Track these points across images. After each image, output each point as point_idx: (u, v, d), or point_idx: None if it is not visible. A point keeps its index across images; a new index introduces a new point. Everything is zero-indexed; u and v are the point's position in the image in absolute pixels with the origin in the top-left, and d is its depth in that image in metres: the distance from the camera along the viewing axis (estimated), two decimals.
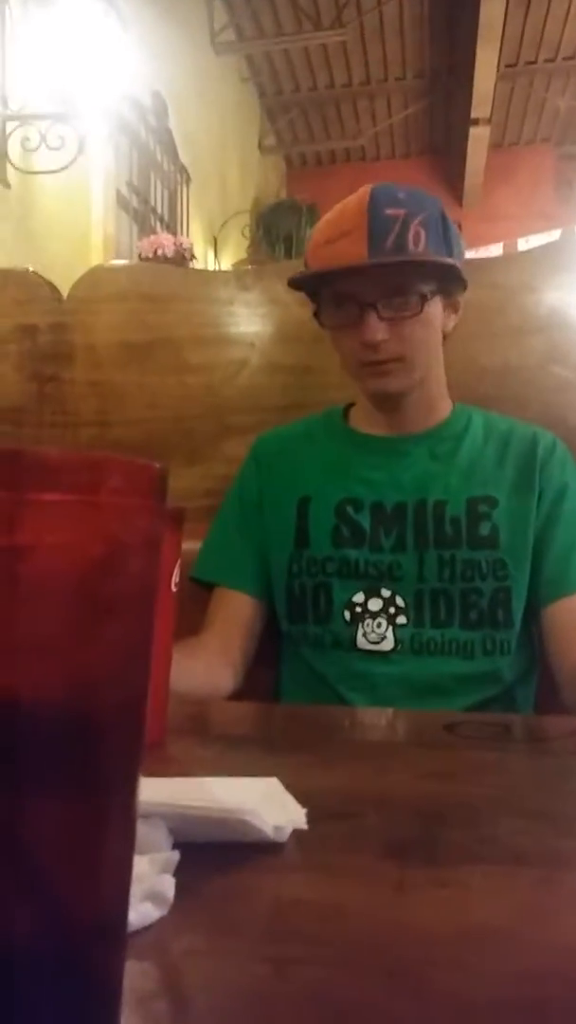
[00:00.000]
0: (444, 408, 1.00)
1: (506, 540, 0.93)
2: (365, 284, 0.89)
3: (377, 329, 0.88)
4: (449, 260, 0.89)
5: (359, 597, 0.94)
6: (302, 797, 0.42)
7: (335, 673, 0.94)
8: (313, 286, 0.94)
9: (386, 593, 0.93)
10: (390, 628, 0.92)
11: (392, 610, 0.93)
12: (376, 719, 0.64)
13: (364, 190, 0.91)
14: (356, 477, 0.98)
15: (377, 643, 0.92)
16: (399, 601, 0.93)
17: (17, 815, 0.25)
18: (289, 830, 0.40)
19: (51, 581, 0.25)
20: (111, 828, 0.27)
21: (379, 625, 0.93)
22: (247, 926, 0.33)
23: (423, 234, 0.88)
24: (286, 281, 0.95)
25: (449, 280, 0.92)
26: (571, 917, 0.34)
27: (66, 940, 0.26)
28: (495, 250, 4.46)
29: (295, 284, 0.94)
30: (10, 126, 2.80)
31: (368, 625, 0.93)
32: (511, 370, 1.15)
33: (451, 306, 0.95)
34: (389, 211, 0.88)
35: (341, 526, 0.96)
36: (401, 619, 0.93)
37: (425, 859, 0.39)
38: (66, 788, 0.25)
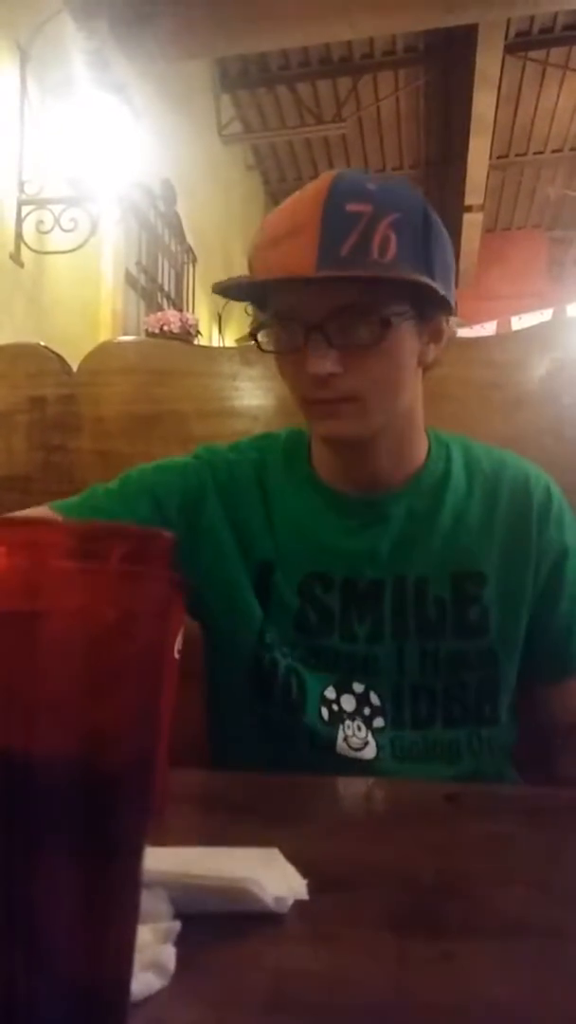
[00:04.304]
0: (420, 449, 0.83)
1: (497, 625, 0.80)
2: (311, 300, 0.69)
3: (325, 359, 0.69)
4: (423, 279, 0.68)
5: (330, 692, 0.79)
6: (303, 867, 0.42)
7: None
8: (252, 295, 0.75)
9: (358, 688, 0.79)
10: (368, 732, 0.78)
11: (367, 711, 0.78)
12: (377, 789, 0.64)
13: (326, 176, 0.71)
14: (325, 545, 0.81)
15: (359, 749, 0.77)
16: (374, 699, 0.78)
17: (28, 873, 0.25)
18: (290, 901, 0.40)
19: (67, 644, 0.26)
20: (118, 891, 0.28)
21: (359, 728, 0.78)
22: (248, 997, 0.33)
23: (393, 239, 0.68)
24: (213, 288, 0.76)
25: (426, 299, 0.72)
26: (573, 989, 0.34)
27: (68, 1005, 0.26)
28: (489, 328, 4.61)
29: (222, 293, 0.75)
30: (26, 209, 2.94)
31: (349, 728, 0.78)
32: (506, 442, 1.18)
33: (431, 332, 0.76)
34: (351, 206, 0.68)
35: (307, 608, 0.79)
36: (378, 721, 0.78)
37: (426, 931, 0.38)
38: (76, 847, 0.26)
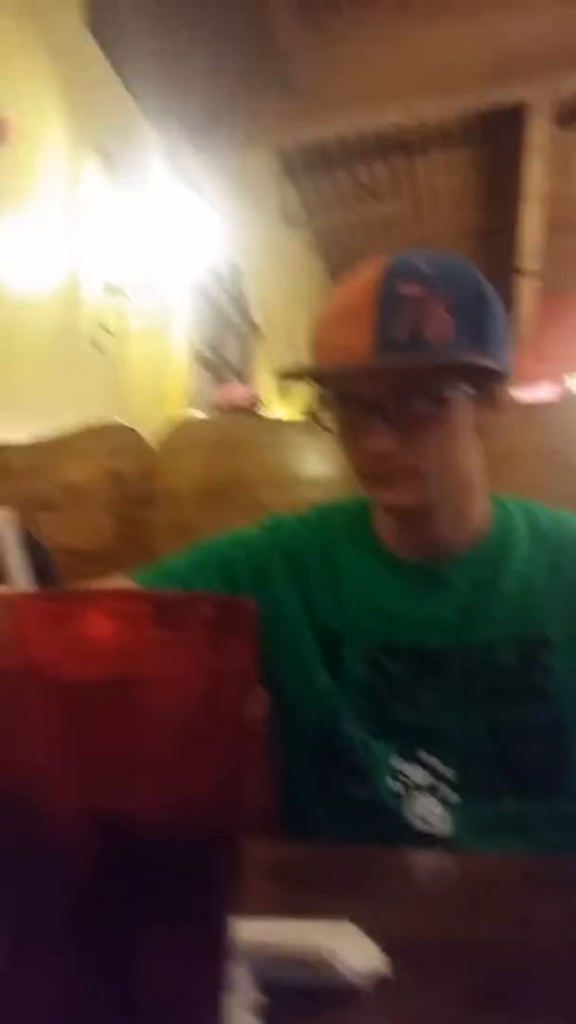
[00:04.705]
0: (482, 515, 0.83)
1: (565, 692, 0.78)
2: (368, 383, 0.72)
3: (383, 437, 0.72)
4: (479, 360, 0.71)
5: (399, 763, 0.78)
6: (379, 942, 0.42)
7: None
8: (312, 376, 0.78)
9: (427, 759, 0.78)
10: (439, 804, 0.77)
11: (436, 782, 0.77)
12: (451, 864, 0.63)
13: (380, 260, 0.74)
14: (391, 614, 0.81)
15: (430, 822, 0.76)
16: (443, 770, 0.77)
17: (122, 935, 0.27)
18: (369, 975, 0.40)
19: (162, 710, 0.28)
20: (209, 958, 0.29)
21: (429, 800, 0.77)
22: None
23: (447, 321, 0.70)
24: (276, 373, 0.79)
25: (482, 373, 0.73)
26: None
27: None
28: (544, 389, 4.62)
29: (285, 378, 0.78)
30: (106, 297, 3.13)
31: (418, 800, 0.77)
32: (571, 506, 1.18)
33: (488, 402, 0.77)
34: (405, 290, 0.70)
35: (375, 678, 0.79)
36: (448, 793, 0.77)
37: (505, 1009, 0.38)
38: (171, 915, 0.27)
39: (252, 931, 0.41)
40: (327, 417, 0.77)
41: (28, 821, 0.27)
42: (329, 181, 6.24)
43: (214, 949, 0.29)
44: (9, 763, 0.28)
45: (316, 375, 0.77)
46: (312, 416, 0.79)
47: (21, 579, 0.34)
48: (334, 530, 0.87)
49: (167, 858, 0.27)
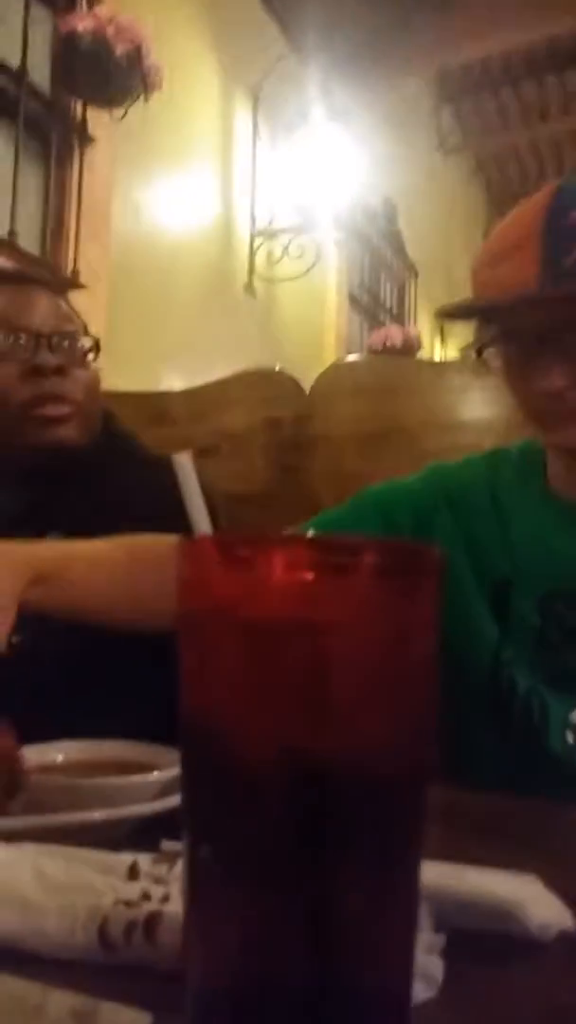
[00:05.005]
0: None
1: None
2: (535, 316, 0.69)
3: (555, 374, 0.68)
4: None
5: (572, 713, 0.76)
6: (562, 898, 0.41)
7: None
8: (475, 314, 0.75)
9: None
10: None
11: None
12: None
13: (548, 186, 0.71)
14: (565, 560, 0.78)
15: None
16: None
17: (316, 873, 0.27)
18: (554, 931, 0.39)
19: (349, 653, 0.28)
20: (402, 899, 0.29)
21: None
22: (517, 1013, 0.32)
23: None
24: (436, 312, 0.76)
25: None
26: None
27: (356, 1008, 0.27)
28: None
29: (446, 317, 0.75)
30: (257, 241, 3.14)
31: None
32: None
33: None
34: (575, 215, 0.67)
35: (549, 627, 0.77)
36: None
37: None
38: (366, 855, 0.27)
39: (435, 875, 0.40)
40: (493, 356, 0.75)
41: (222, 754, 0.27)
42: (491, 102, 5.82)
43: (402, 889, 0.29)
44: (202, 697, 0.28)
45: (480, 311, 0.75)
46: (477, 356, 0.76)
47: (202, 522, 0.35)
48: (501, 474, 0.85)
49: (354, 796, 0.27)
